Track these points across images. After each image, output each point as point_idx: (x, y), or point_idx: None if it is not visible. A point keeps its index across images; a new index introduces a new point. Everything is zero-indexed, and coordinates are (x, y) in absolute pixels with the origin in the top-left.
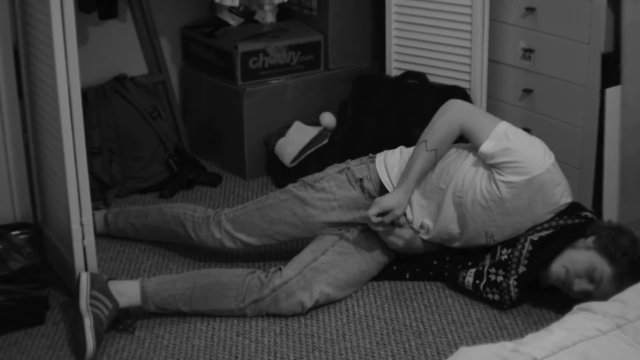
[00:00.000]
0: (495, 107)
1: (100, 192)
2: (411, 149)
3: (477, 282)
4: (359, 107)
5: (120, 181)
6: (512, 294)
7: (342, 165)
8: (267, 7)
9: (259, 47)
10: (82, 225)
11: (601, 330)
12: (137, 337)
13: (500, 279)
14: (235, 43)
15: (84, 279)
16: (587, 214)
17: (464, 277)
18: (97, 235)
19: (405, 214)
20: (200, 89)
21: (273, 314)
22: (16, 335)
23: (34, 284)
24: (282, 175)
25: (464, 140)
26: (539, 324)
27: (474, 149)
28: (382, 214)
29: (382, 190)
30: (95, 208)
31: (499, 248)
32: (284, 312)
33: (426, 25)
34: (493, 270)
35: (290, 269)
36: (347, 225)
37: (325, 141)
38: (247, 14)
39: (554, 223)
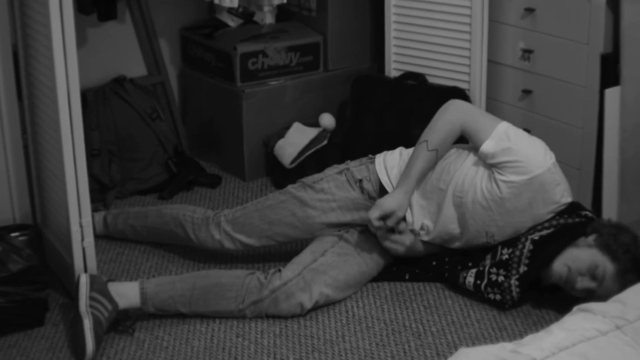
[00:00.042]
0: (494, 108)
1: (100, 194)
2: (411, 149)
3: (478, 282)
4: (358, 108)
5: (119, 182)
6: (514, 293)
7: (342, 166)
8: (266, 8)
9: (258, 48)
10: (81, 226)
11: (601, 331)
12: (136, 338)
13: (501, 278)
14: (235, 44)
15: (84, 281)
16: (588, 213)
17: (464, 278)
18: (97, 236)
19: (404, 219)
20: (200, 90)
21: (272, 315)
22: (16, 336)
23: (34, 285)
24: (282, 176)
25: (464, 140)
26: (539, 325)
27: (474, 149)
28: (383, 217)
29: (382, 191)
30: (94, 209)
31: (499, 248)
32: (284, 313)
33: (425, 26)
34: (494, 270)
35: (290, 270)
36: (347, 226)
37: (325, 142)
38: (246, 15)
39: (554, 222)
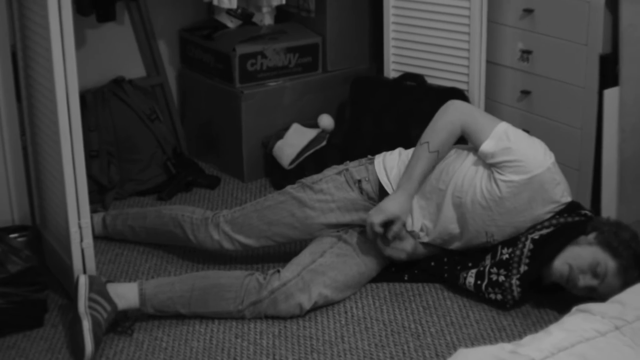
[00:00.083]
0: (493, 109)
1: (99, 195)
2: (410, 150)
3: (479, 282)
4: (357, 109)
5: (118, 184)
6: (515, 293)
7: (341, 167)
8: (265, 10)
9: (257, 49)
10: (80, 227)
11: (600, 332)
12: (135, 339)
13: (502, 278)
14: (233, 45)
15: (83, 282)
16: (587, 212)
17: (464, 278)
18: (96, 237)
19: (404, 224)
20: (199, 91)
21: (271, 316)
22: (15, 338)
23: (33, 286)
24: (281, 177)
25: (463, 141)
26: (538, 326)
27: (474, 149)
28: (387, 222)
29: (381, 192)
30: (93, 210)
31: (499, 248)
32: (283, 314)
33: (424, 27)
34: (494, 270)
35: (289, 271)
36: (346, 226)
37: (324, 143)
38: (245, 16)
39: (554, 221)
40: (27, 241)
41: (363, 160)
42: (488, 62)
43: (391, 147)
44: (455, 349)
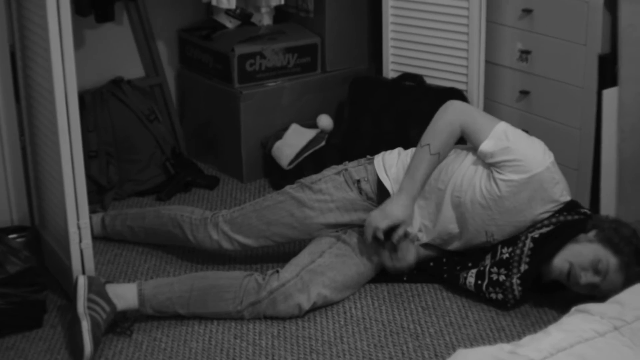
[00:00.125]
0: (492, 109)
1: (98, 195)
2: (409, 150)
3: (479, 282)
4: (356, 109)
5: (117, 184)
6: (516, 292)
7: (340, 167)
8: (263, 10)
9: (255, 49)
10: (79, 228)
11: (598, 332)
12: (134, 340)
13: (502, 278)
14: (232, 45)
15: (82, 282)
16: (586, 210)
17: (465, 278)
18: (95, 238)
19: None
20: (197, 91)
21: (270, 316)
22: (13, 338)
23: (32, 287)
24: (280, 177)
25: (462, 141)
26: (537, 326)
27: (473, 149)
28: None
29: (380, 192)
30: (92, 211)
31: (499, 247)
32: (282, 314)
33: (423, 27)
34: (495, 269)
35: (288, 272)
36: (345, 226)
37: (323, 143)
38: (243, 16)
39: (554, 220)
40: (26, 242)
41: (362, 160)
42: (487, 62)
43: (390, 147)
44: (454, 350)
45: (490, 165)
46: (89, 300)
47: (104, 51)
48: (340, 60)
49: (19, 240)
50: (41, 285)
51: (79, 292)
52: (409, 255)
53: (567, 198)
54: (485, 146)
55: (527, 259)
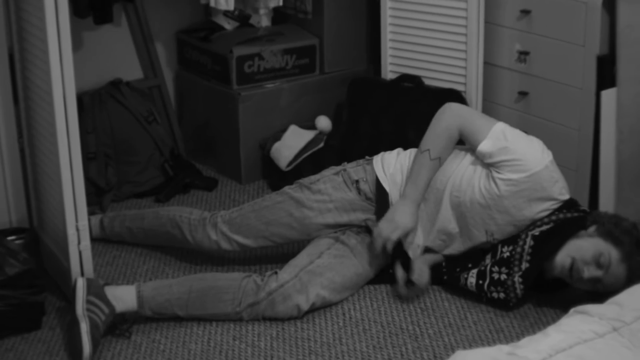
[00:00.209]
0: (490, 110)
1: (96, 197)
2: (408, 151)
3: (480, 282)
4: (354, 110)
5: (116, 186)
6: (518, 290)
7: (339, 168)
8: (262, 11)
9: (254, 51)
10: (78, 229)
11: (597, 333)
12: (133, 341)
13: (504, 277)
14: (231, 47)
15: (80, 284)
16: (585, 208)
17: (465, 279)
18: (93, 239)
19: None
20: (196, 93)
21: (269, 317)
22: (12, 340)
23: (30, 289)
24: (278, 179)
25: (460, 142)
26: (536, 327)
27: (471, 149)
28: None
29: (379, 192)
30: (91, 213)
31: (499, 246)
32: (281, 315)
33: (421, 29)
34: (496, 268)
35: (286, 273)
36: (344, 227)
37: (321, 145)
38: (242, 17)
39: (553, 217)
40: (25, 243)
41: (361, 161)
42: (485, 63)
43: (389, 148)
44: (453, 351)
45: (489, 165)
46: (88, 302)
47: (102, 53)
48: (339, 61)
49: (17, 242)
50: (40, 287)
51: (78, 294)
52: (424, 276)
53: (566, 196)
54: (484, 146)
55: (528, 257)
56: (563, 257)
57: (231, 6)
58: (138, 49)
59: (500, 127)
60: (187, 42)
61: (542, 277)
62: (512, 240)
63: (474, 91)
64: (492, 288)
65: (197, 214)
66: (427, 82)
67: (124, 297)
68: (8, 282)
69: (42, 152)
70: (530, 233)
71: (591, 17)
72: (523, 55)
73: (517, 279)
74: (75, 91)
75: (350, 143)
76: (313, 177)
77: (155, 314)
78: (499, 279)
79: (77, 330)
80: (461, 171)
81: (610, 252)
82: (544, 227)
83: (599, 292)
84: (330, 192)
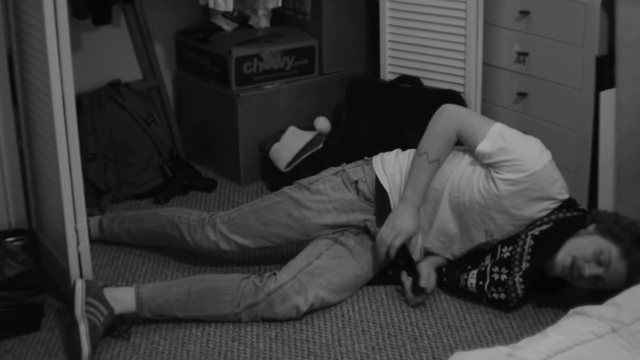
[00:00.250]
0: (489, 111)
1: (95, 198)
2: (407, 152)
3: (481, 283)
4: (353, 111)
5: (115, 187)
6: (519, 290)
7: (337, 168)
8: (261, 12)
9: (253, 52)
10: (76, 231)
11: (596, 334)
12: (132, 343)
13: (504, 277)
14: (229, 48)
15: (79, 286)
16: (584, 208)
17: (465, 280)
18: (92, 241)
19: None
20: (195, 94)
21: (268, 318)
22: (11, 342)
23: (29, 290)
24: (277, 180)
25: (459, 143)
26: (535, 328)
27: (469, 150)
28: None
29: (378, 193)
30: (90, 214)
31: (499, 247)
32: (279, 316)
33: (420, 30)
34: (496, 269)
35: (285, 274)
36: (343, 227)
37: (320, 146)
38: (241, 19)
39: (553, 217)
40: (24, 245)
41: (360, 162)
42: (484, 64)
43: (388, 149)
44: (452, 352)
45: (488, 165)
46: (87, 303)
47: (101, 54)
48: (338, 62)
49: (16, 243)
50: (39, 288)
51: (77, 296)
52: (431, 281)
53: (566, 196)
54: (482, 147)
55: (529, 257)
56: (563, 256)
57: (230, 7)
58: (137, 50)
59: (498, 127)
60: (186, 43)
61: (542, 277)
62: (512, 240)
63: (473, 92)
64: (493, 289)
65: (196, 215)
66: (426, 83)
67: (122, 298)
68: (7, 284)
69: (41, 153)
70: (530, 233)
71: (590, 18)
72: (522, 56)
73: (517, 279)
74: (74, 92)
75: (349, 144)
76: (312, 178)
77: (154, 316)
78: (499, 279)
79: (76, 331)
80: (460, 171)
81: (610, 249)
82: (544, 227)
83: (600, 290)
84: (329, 193)
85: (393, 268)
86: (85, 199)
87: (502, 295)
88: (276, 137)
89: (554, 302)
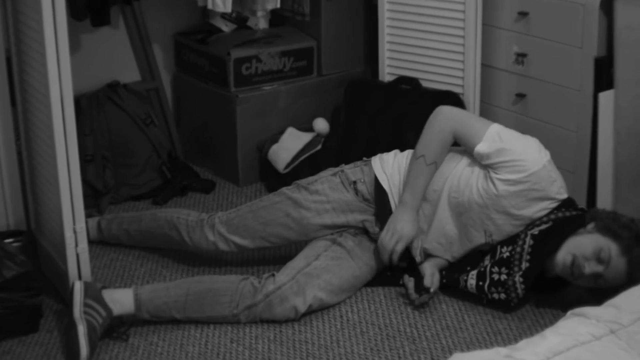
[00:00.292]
0: (488, 112)
1: (94, 199)
2: (405, 152)
3: (481, 283)
4: (352, 112)
5: (113, 188)
6: (519, 290)
7: (336, 169)
8: (259, 13)
9: (251, 53)
10: (75, 232)
11: (595, 336)
12: (131, 344)
13: (504, 277)
14: (228, 49)
15: (78, 288)
16: (583, 207)
17: (465, 281)
18: (91, 242)
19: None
20: (193, 95)
21: (267, 319)
22: (10, 343)
23: (28, 291)
24: (276, 181)
25: (457, 144)
26: (533, 329)
27: (467, 151)
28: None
29: (377, 193)
30: (88, 215)
31: (498, 247)
32: (278, 317)
33: (419, 31)
34: (495, 269)
35: (284, 275)
36: (341, 228)
37: (319, 147)
38: (239, 20)
39: (552, 216)
40: (22, 246)
41: (358, 162)
42: (483, 65)
43: (386, 150)
44: (450, 353)
45: (486, 166)
46: (85, 305)
47: (100, 55)
48: (336, 63)
49: (15, 244)
50: (37, 289)
51: (75, 298)
52: (435, 281)
53: (565, 195)
54: (480, 149)
55: (528, 257)
56: (564, 254)
57: (229, 8)
58: (136, 51)
59: (495, 128)
60: (184, 44)
61: (542, 276)
62: (511, 240)
63: (472, 93)
64: (493, 289)
65: (194, 216)
66: (424, 84)
67: (121, 300)
68: (5, 285)
69: (39, 154)
70: (529, 232)
71: (589, 19)
72: (521, 57)
73: (517, 278)
74: (73, 93)
75: (347, 145)
76: (311, 178)
77: (152, 317)
78: (499, 279)
79: (75, 332)
80: (459, 172)
81: (610, 246)
82: (543, 226)
83: (601, 288)
84: (327, 193)
85: (392, 270)
86: (84, 200)
87: (502, 296)
88: (275, 138)
89: (553, 303)
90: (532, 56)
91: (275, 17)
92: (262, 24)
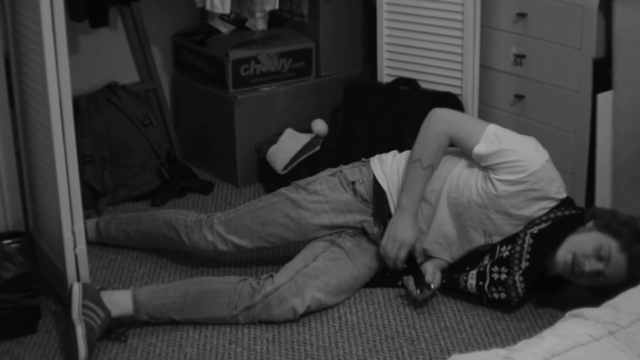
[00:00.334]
0: (486, 113)
1: (92, 201)
2: (404, 153)
3: (481, 283)
4: (350, 113)
5: (112, 189)
6: (519, 289)
7: (335, 169)
8: (258, 14)
9: (250, 54)
10: (73, 233)
11: (593, 337)
12: (129, 345)
13: (504, 276)
14: (227, 50)
15: (76, 289)
16: (582, 207)
17: (465, 281)
18: (89, 243)
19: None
20: (192, 96)
21: (265, 320)
22: (8, 344)
23: (26, 292)
24: (274, 182)
25: (453, 145)
26: (532, 331)
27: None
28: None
29: (375, 193)
30: (87, 216)
31: (498, 246)
32: (276, 318)
33: (417, 32)
34: (495, 268)
35: (282, 276)
36: (340, 228)
37: (317, 148)
38: (238, 21)
39: (552, 215)
40: (21, 247)
41: (357, 163)
42: (481, 66)
43: (384, 152)
44: (449, 354)
45: (485, 167)
46: (84, 306)
47: (98, 56)
48: (335, 64)
49: (13, 245)
50: (36, 290)
51: (74, 299)
52: (436, 279)
53: (564, 195)
54: (479, 150)
55: (528, 256)
56: (564, 253)
57: (227, 9)
58: (134, 52)
59: (492, 129)
60: (183, 45)
61: (542, 276)
62: (511, 239)
63: (470, 94)
64: (493, 289)
65: (193, 216)
66: (423, 85)
67: (119, 301)
68: (4, 286)
69: (38, 155)
70: (529, 231)
71: (587, 20)
72: (519, 58)
73: (517, 277)
74: (72, 94)
75: (346, 146)
76: (309, 179)
77: (151, 318)
78: (499, 279)
79: (73, 334)
80: (458, 172)
81: (610, 243)
82: (543, 225)
83: (601, 286)
84: (326, 193)
85: (392, 271)
86: (83, 202)
87: (503, 295)
88: (273, 139)
89: (552, 304)
90: (531, 57)
91: (274, 18)
92: (261, 25)
